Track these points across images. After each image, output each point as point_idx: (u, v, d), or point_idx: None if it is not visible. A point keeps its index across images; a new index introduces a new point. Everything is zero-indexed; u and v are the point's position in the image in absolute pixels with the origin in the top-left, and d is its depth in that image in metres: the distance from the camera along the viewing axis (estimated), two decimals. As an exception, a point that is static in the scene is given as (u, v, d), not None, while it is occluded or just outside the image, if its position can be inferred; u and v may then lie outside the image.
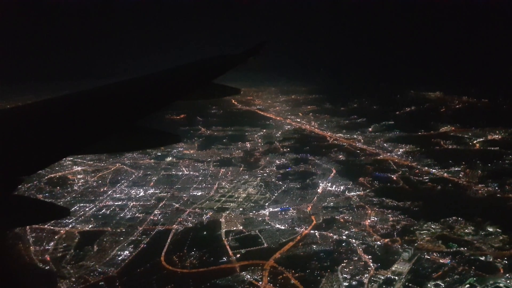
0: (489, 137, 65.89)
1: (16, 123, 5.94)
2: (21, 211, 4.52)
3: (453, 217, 40.71)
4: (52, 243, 38.63)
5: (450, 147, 63.25)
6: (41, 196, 48.97)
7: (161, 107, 7.10)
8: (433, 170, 53.67)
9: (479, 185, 48.28)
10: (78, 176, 55.66)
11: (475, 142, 64.31)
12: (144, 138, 6.91)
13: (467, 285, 30.76)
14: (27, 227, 41.27)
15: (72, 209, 45.64)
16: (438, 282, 31.41)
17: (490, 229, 38.36)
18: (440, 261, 34.25)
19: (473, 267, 33.03)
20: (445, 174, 52.10)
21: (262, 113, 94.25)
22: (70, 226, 41.98)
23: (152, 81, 9.21)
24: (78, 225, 42.19)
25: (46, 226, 41.73)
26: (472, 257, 34.38)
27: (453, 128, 72.43)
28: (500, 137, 66.16)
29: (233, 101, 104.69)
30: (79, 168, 58.16)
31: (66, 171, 57.11)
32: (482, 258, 34.19)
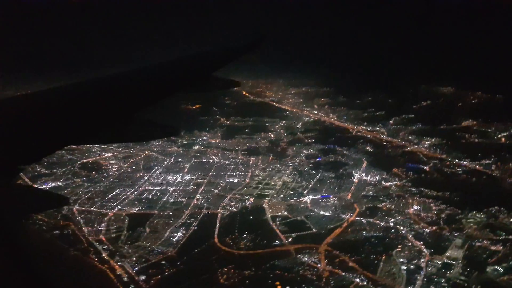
0: (513, 132, 66.53)
1: (15, 112, 6.02)
2: (22, 199, 4.69)
3: (495, 207, 41.38)
4: (103, 225, 38.93)
5: (476, 140, 63.85)
6: (79, 180, 49.13)
7: (160, 99, 7.17)
8: (464, 163, 54.27)
9: (513, 177, 49.12)
10: (110, 162, 55.69)
11: (500, 136, 64.93)
12: (143, 130, 6.97)
13: (524, 271, 31.56)
14: (74, 208, 41.62)
15: (114, 192, 46.10)
16: (496, 267, 32.18)
17: (535, 219, 39.28)
18: (492, 248, 34.99)
19: (526, 254, 33.85)
20: (477, 167, 52.76)
21: (276, 104, 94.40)
22: (116, 208, 42.23)
23: (152, 73, 9.26)
24: (124, 208, 42.44)
25: (92, 208, 42.10)
26: (523, 245, 35.20)
27: (475, 122, 72.91)
28: (524, 131, 66.79)
29: (244, 92, 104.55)
30: (109, 154, 58.19)
31: (97, 157, 57.13)
32: (533, 246, 35.00)
